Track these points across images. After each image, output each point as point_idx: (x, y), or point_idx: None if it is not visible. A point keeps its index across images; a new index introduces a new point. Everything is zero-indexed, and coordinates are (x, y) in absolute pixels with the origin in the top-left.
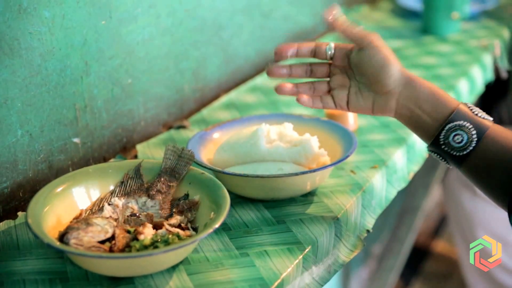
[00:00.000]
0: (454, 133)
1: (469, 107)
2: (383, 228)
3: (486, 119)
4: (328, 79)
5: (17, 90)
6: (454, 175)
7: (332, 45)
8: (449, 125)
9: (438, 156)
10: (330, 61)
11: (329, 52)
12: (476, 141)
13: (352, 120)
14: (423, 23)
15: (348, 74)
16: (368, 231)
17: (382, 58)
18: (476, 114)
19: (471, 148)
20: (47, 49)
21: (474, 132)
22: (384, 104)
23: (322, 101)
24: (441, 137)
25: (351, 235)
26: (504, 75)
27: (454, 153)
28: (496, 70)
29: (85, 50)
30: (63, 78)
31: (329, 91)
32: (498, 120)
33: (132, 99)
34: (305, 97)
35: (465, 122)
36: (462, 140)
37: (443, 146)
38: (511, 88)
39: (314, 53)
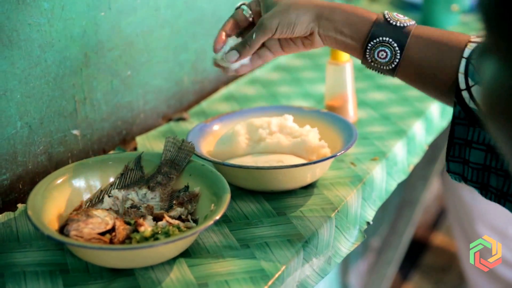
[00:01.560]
0: (377, 51)
1: (386, 18)
2: (382, 221)
3: (405, 25)
4: None
5: (16, 81)
6: None
7: (245, 7)
8: (370, 44)
9: (372, 69)
10: (251, 19)
11: (248, 15)
12: (400, 52)
13: (352, 112)
14: (423, 16)
15: None
16: (368, 223)
17: (284, 18)
18: (395, 24)
19: (397, 60)
20: (47, 41)
21: (395, 44)
22: (311, 41)
23: (260, 56)
24: (367, 56)
25: (351, 227)
26: None
27: (384, 67)
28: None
29: (84, 42)
30: (63, 69)
31: (262, 44)
32: None
33: (131, 91)
34: (245, 66)
35: (384, 37)
36: (386, 55)
37: (372, 63)
38: None
39: (238, 25)
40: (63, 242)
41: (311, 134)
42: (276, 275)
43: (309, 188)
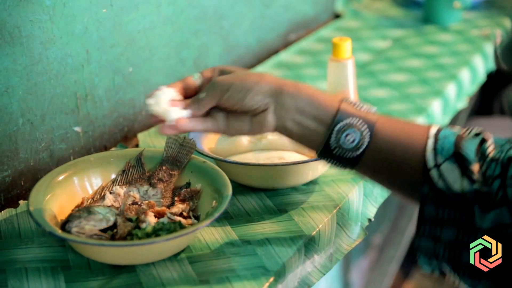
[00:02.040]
0: (345, 133)
1: (351, 102)
2: (384, 218)
3: (370, 111)
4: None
5: (18, 78)
6: None
7: (197, 74)
8: (339, 126)
9: (330, 161)
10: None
11: (197, 81)
12: (369, 136)
13: None
14: (425, 13)
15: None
16: (370, 220)
17: (238, 86)
18: (361, 108)
19: (364, 146)
20: (48, 37)
21: (364, 128)
22: (262, 120)
23: (202, 122)
24: (331, 141)
25: (353, 223)
26: (503, 67)
27: (348, 155)
28: (497, 60)
29: (86, 39)
30: (64, 66)
31: (208, 113)
32: (499, 110)
33: (133, 88)
34: (183, 120)
35: (354, 119)
36: (354, 139)
37: (335, 150)
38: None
39: (184, 89)
40: (65, 238)
41: None
42: (277, 272)
43: (310, 185)
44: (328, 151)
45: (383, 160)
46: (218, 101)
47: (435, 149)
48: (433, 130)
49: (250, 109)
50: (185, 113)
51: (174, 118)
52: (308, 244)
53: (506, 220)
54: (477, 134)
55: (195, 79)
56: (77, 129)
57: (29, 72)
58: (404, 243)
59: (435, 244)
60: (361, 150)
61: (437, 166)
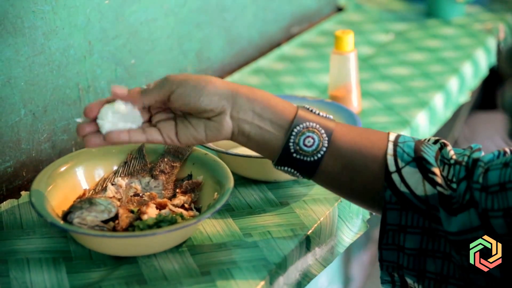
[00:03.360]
0: (304, 137)
1: (308, 108)
2: None
3: (328, 118)
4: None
5: (20, 69)
6: None
7: (145, 86)
8: (297, 129)
9: (288, 168)
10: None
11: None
12: (328, 140)
13: (356, 102)
14: (428, 6)
15: (170, 108)
16: (371, 213)
17: (190, 85)
18: (318, 114)
19: (324, 149)
20: (50, 28)
21: (323, 131)
22: (218, 125)
23: (145, 133)
24: (290, 144)
25: (354, 216)
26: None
27: (308, 159)
28: (500, 54)
29: (88, 30)
30: (66, 57)
31: (154, 124)
32: (501, 105)
33: (135, 79)
34: (116, 132)
35: (312, 123)
36: (313, 142)
37: (294, 155)
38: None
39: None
40: (67, 229)
41: None
42: (279, 264)
43: None
44: (287, 155)
45: (343, 165)
46: (166, 96)
47: (395, 153)
48: (392, 136)
49: (205, 109)
50: (122, 125)
51: (108, 129)
52: (310, 236)
53: (475, 223)
54: (436, 141)
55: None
56: (79, 120)
57: (31, 63)
58: None
59: (398, 255)
60: (321, 153)
61: (398, 170)
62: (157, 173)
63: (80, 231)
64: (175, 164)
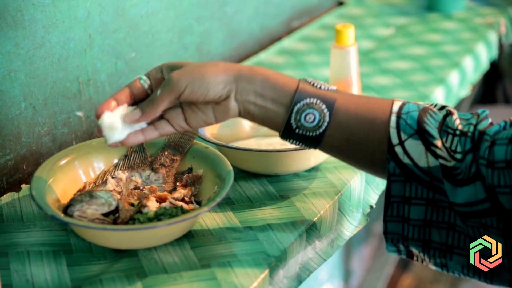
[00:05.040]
0: (304, 113)
1: (309, 82)
2: None
3: (330, 90)
4: None
5: (20, 62)
6: None
7: (145, 77)
8: (297, 106)
9: (293, 141)
10: (150, 92)
11: (145, 84)
12: (329, 115)
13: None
14: (428, 0)
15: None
16: (371, 206)
17: (194, 79)
18: (320, 88)
19: (325, 124)
20: (51, 21)
21: (324, 107)
22: (224, 108)
23: (156, 128)
24: (292, 121)
25: (354, 210)
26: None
27: (310, 134)
28: (501, 48)
29: (88, 23)
30: (67, 51)
31: (161, 116)
32: (504, 98)
33: (135, 73)
34: (131, 136)
35: (312, 99)
36: (314, 119)
37: (297, 130)
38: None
39: (133, 94)
40: (67, 222)
41: None
42: (279, 257)
43: (312, 171)
44: (290, 131)
45: (346, 138)
46: (175, 98)
47: (398, 126)
48: (396, 106)
49: (213, 99)
50: (136, 126)
51: (121, 139)
52: (310, 230)
53: (481, 196)
54: (441, 108)
55: (143, 83)
56: (79, 113)
57: (31, 56)
58: None
59: (403, 226)
60: (322, 128)
61: (401, 143)
62: (158, 166)
63: (80, 224)
64: (175, 158)
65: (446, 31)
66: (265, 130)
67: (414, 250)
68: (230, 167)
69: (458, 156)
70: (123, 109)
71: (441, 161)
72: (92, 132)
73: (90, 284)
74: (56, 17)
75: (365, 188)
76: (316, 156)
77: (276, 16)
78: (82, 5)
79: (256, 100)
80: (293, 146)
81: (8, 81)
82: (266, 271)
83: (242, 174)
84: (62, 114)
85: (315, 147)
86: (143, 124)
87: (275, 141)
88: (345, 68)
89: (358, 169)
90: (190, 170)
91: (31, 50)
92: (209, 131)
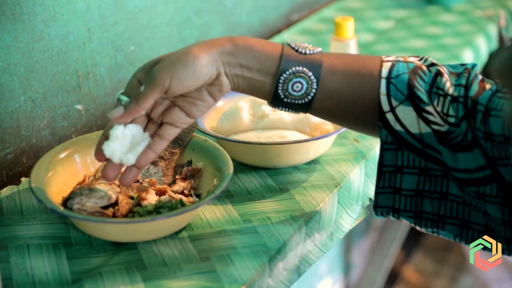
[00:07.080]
0: (291, 83)
1: (293, 47)
2: None
3: (316, 53)
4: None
5: (19, 55)
6: None
7: (122, 96)
8: (284, 76)
9: (283, 108)
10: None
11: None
12: (316, 82)
13: None
14: None
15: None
16: (371, 199)
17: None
18: (305, 53)
19: (314, 91)
20: (50, 15)
21: (310, 74)
22: (218, 86)
23: (162, 137)
24: (279, 91)
25: (354, 203)
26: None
27: (299, 102)
28: (501, 41)
29: (88, 16)
30: (66, 44)
31: (161, 123)
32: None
33: (135, 66)
34: (145, 155)
35: (298, 67)
36: (302, 87)
37: (285, 99)
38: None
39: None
40: (66, 215)
41: None
42: (278, 250)
43: (311, 164)
44: (278, 100)
45: (336, 103)
46: (160, 94)
47: (388, 92)
48: (385, 70)
49: (205, 82)
50: (139, 148)
51: (131, 160)
52: (309, 222)
53: (481, 163)
54: (431, 65)
55: (124, 103)
56: (79, 107)
57: (30, 50)
58: (405, 224)
59: (394, 198)
60: (311, 95)
61: (392, 110)
62: (157, 159)
63: (80, 217)
64: (174, 151)
65: (445, 24)
66: (264, 123)
67: (406, 221)
68: (230, 160)
69: (452, 120)
70: (134, 128)
71: (434, 126)
72: (91, 125)
73: (89, 277)
74: (55, 11)
75: (365, 181)
76: (315, 149)
77: (276, 9)
78: None
79: (243, 73)
80: (292, 139)
81: (7, 74)
82: (266, 264)
83: (241, 167)
84: (61, 107)
85: (305, 112)
86: (145, 141)
87: (274, 134)
88: None
89: (352, 129)
90: (189, 163)
91: (30, 44)
92: (209, 124)
